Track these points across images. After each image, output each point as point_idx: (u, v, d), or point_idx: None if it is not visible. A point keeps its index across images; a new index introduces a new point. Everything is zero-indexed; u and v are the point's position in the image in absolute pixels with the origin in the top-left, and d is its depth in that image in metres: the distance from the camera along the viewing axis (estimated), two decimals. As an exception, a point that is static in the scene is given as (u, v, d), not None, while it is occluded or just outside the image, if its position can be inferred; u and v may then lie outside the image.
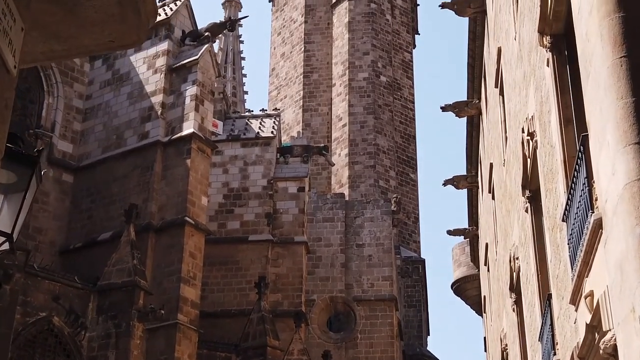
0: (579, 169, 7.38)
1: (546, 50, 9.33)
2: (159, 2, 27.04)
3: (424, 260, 41.98)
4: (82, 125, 26.11)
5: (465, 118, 23.96)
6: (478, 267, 29.28)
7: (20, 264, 18.45)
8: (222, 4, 56.80)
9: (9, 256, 18.11)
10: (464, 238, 30.10)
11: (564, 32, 9.16)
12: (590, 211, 6.91)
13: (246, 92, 58.28)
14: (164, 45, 25.45)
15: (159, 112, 24.52)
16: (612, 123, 6.14)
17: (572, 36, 8.95)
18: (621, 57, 6.19)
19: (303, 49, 48.08)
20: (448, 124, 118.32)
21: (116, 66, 26.35)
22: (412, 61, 49.43)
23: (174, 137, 24.11)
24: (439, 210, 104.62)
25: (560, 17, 9.02)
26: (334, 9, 48.32)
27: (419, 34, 52.64)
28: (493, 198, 19.34)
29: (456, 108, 22.87)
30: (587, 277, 7.33)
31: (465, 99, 23.09)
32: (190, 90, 24.36)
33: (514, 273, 14.42)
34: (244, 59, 61.09)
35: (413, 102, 48.22)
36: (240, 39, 61.93)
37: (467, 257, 33.24)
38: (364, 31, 46.52)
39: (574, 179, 7.56)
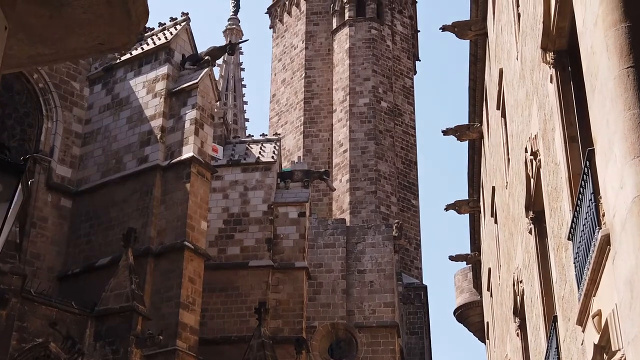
0: (584, 184, 7.22)
1: (549, 67, 9.21)
2: (158, 26, 27.05)
3: (425, 287, 41.70)
4: (81, 149, 25.97)
5: (466, 142, 23.87)
6: (481, 294, 29.07)
7: (16, 289, 18.24)
8: (223, 32, 56.99)
9: (5, 280, 17.90)
10: (467, 264, 29.91)
11: (568, 48, 9.05)
12: (598, 227, 6.76)
13: (247, 120, 58.30)
14: (163, 69, 25.37)
15: (159, 136, 24.39)
16: (619, 135, 5.99)
17: (576, 53, 8.86)
18: (628, 68, 6.06)
19: (304, 75, 48.09)
20: (449, 149, 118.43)
21: (116, 90, 26.27)
22: (412, 87, 49.44)
23: (173, 161, 23.96)
24: (440, 235, 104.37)
25: (564, 33, 8.91)
26: (335, 35, 48.40)
27: (420, 60, 52.75)
28: (495, 222, 19.21)
29: (457, 132, 22.78)
30: (594, 296, 7.15)
31: (467, 122, 23.01)
32: (190, 114, 24.25)
33: (518, 297, 14.23)
34: (244, 86, 61.25)
35: (414, 128, 48.15)
36: (241, 66, 62.14)
37: (469, 284, 33.00)
38: (364, 57, 46.55)
39: (580, 195, 7.41)
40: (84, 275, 23.86)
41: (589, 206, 7.04)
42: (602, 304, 6.87)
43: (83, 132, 26.19)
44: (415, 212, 45.63)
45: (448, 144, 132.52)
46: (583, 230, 7.39)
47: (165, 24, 26.86)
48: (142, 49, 26.36)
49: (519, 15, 12.19)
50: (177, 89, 24.97)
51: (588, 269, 7.10)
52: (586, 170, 7.13)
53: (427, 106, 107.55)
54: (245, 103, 60.23)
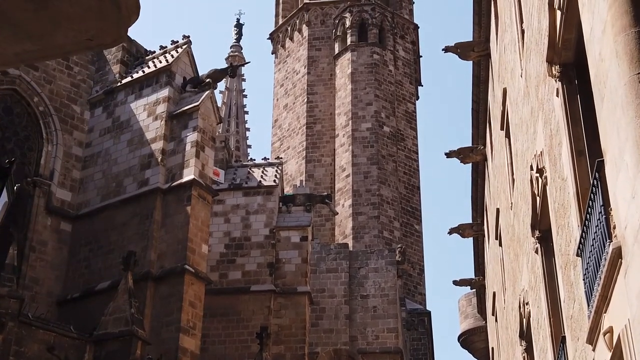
0: (594, 197, 7.04)
1: (555, 80, 9.07)
2: (160, 49, 26.97)
3: (429, 313, 41.39)
4: (81, 173, 25.81)
5: (470, 165, 23.77)
6: (485, 319, 28.81)
7: (13, 312, 17.97)
8: (226, 59, 57.16)
9: (3, 304, 17.64)
10: (471, 288, 29.70)
11: (574, 61, 8.91)
12: (608, 240, 6.57)
13: (249, 146, 58.35)
14: (164, 92, 25.26)
15: (159, 159, 24.23)
16: (630, 142, 5.81)
17: (582, 67, 8.73)
18: (639, 73, 5.88)
19: (306, 100, 48.05)
20: (452, 173, 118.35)
21: (116, 113, 26.16)
22: (415, 112, 49.36)
23: (174, 184, 23.77)
24: (444, 260, 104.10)
25: (570, 45, 8.77)
26: (337, 60, 48.41)
27: (422, 86, 52.77)
28: (500, 245, 19.05)
29: (461, 154, 22.67)
30: (605, 312, 6.94)
31: (470, 145, 22.89)
32: (191, 137, 24.11)
33: (524, 319, 14.03)
34: (247, 112, 61.40)
35: (417, 153, 48.01)
36: (244, 93, 62.27)
37: (473, 309, 32.72)
38: (366, 82, 46.52)
39: (589, 209, 7.22)
40: (83, 300, 23.60)
41: (599, 219, 6.86)
42: (613, 320, 6.67)
43: (83, 156, 26.05)
44: (418, 237, 45.37)
45: (451, 168, 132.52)
46: (593, 245, 7.20)
47: (166, 47, 26.79)
48: (143, 71, 26.30)
49: (522, 31, 12.10)
50: (178, 111, 24.84)
51: (598, 284, 6.93)
52: (595, 183, 6.95)
53: (429, 131, 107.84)
54: (248, 129, 60.29)
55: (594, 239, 7.10)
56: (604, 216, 6.69)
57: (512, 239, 15.80)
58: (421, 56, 52.90)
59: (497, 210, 18.97)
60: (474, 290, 29.48)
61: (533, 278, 12.45)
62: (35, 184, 24.68)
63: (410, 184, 46.42)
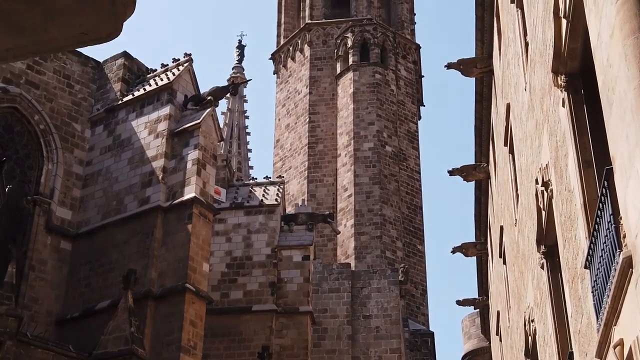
0: (602, 207, 6.90)
1: (561, 91, 8.96)
2: (161, 67, 26.91)
3: (432, 334, 41.03)
4: (81, 191, 25.66)
5: (473, 183, 23.65)
6: (489, 339, 28.59)
7: (12, 331, 17.77)
8: (227, 80, 57.14)
9: (1, 323, 17.45)
10: (474, 308, 29.51)
11: (579, 71, 8.80)
12: (618, 250, 6.42)
13: (251, 167, 58.25)
14: (165, 110, 25.16)
15: (160, 177, 24.08)
16: (641, 147, 5.66)
17: (588, 76, 8.62)
18: (650, 76, 5.76)
19: (308, 119, 47.99)
20: (455, 192, 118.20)
21: (117, 131, 26.05)
22: (417, 132, 49.29)
23: (174, 202, 23.60)
24: (447, 280, 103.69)
25: (576, 55, 8.67)
26: (339, 80, 48.40)
27: (424, 106, 52.72)
28: (504, 263, 18.94)
29: (464, 172, 22.57)
30: (615, 325, 6.79)
31: (473, 163, 22.79)
32: (192, 155, 23.97)
33: (529, 337, 13.90)
34: (249, 134, 61.38)
35: (419, 173, 47.87)
36: (246, 114, 62.28)
37: (477, 329, 32.51)
38: (368, 101, 46.47)
39: (597, 219, 7.09)
40: (83, 319, 23.37)
41: (608, 229, 6.72)
42: (624, 332, 6.52)
43: (84, 174, 25.90)
44: (421, 257, 45.14)
45: (454, 187, 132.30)
46: (602, 256, 7.05)
47: (168, 64, 26.74)
48: (145, 89, 26.22)
49: (526, 44, 12.03)
50: (179, 129, 24.73)
51: (608, 296, 6.78)
52: (604, 191, 6.80)
53: (431, 151, 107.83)
54: (250, 150, 60.26)
55: (603, 249, 6.97)
56: (613, 225, 6.56)
57: (516, 256, 15.69)
58: (423, 76, 52.92)
59: (501, 228, 18.85)
60: (478, 310, 29.29)
61: (539, 294, 12.33)
62: (35, 202, 24.53)
63: (412, 204, 46.25)
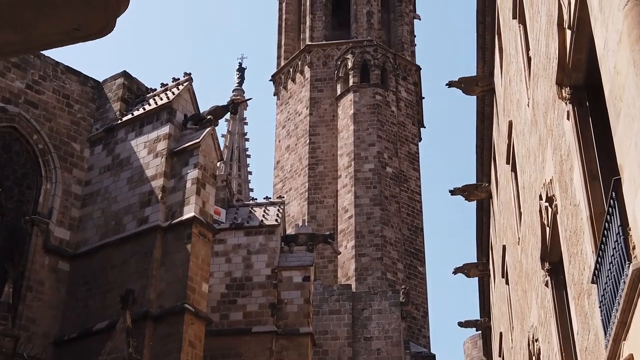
0: (610, 218, 6.74)
1: (566, 103, 8.84)
2: (161, 86, 26.84)
3: (434, 356, 40.75)
4: (80, 211, 25.49)
5: (474, 203, 23.54)
6: (491, 362, 28.38)
7: (8, 352, 17.55)
8: (227, 102, 57.12)
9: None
10: (476, 330, 29.29)
11: (584, 83, 8.69)
12: (627, 262, 6.26)
13: (251, 190, 58.09)
14: (165, 129, 25.05)
15: (159, 197, 23.93)
16: (651, 155, 5.52)
17: (593, 89, 8.50)
18: (659, 82, 5.63)
19: (308, 141, 47.91)
20: (456, 213, 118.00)
21: (116, 151, 25.92)
22: (418, 153, 49.21)
23: (174, 221, 23.42)
24: (448, 301, 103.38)
25: (580, 67, 8.55)
26: (339, 101, 48.37)
27: (424, 127, 52.68)
28: (507, 283, 18.80)
29: (465, 191, 22.47)
30: (624, 339, 6.63)
31: (475, 183, 22.70)
32: (192, 174, 23.82)
33: (534, 357, 13.72)
34: (249, 156, 61.31)
35: (420, 194, 47.72)
36: (246, 137, 62.26)
37: (479, 351, 32.29)
38: (369, 122, 46.42)
39: (605, 231, 6.93)
40: (80, 340, 23.12)
41: (617, 240, 6.56)
42: (634, 346, 6.36)
43: (82, 194, 25.74)
44: (422, 279, 44.91)
45: (455, 209, 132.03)
46: (610, 269, 6.89)
47: (167, 84, 26.66)
48: (144, 109, 26.13)
49: (529, 59, 11.95)
50: (178, 148, 24.60)
51: (617, 310, 6.61)
52: (612, 203, 6.65)
53: (432, 172, 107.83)
54: (250, 173, 60.16)
55: (611, 262, 6.81)
56: (622, 237, 6.41)
57: (519, 275, 15.56)
58: (423, 98, 52.92)
59: (504, 247, 18.74)
60: (480, 332, 29.08)
61: (543, 313, 12.18)
62: (33, 222, 24.35)
63: (413, 226, 46.08)
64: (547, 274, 11.29)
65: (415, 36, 53.89)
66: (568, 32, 8.29)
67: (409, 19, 53.69)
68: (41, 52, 26.45)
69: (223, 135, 59.76)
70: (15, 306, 22.39)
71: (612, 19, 6.39)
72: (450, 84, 19.55)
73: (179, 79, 26.47)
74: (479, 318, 27.53)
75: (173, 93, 25.91)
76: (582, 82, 8.67)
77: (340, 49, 49.93)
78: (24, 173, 25.16)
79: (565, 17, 8.19)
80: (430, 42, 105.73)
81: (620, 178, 6.47)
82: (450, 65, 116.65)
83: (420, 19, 55.28)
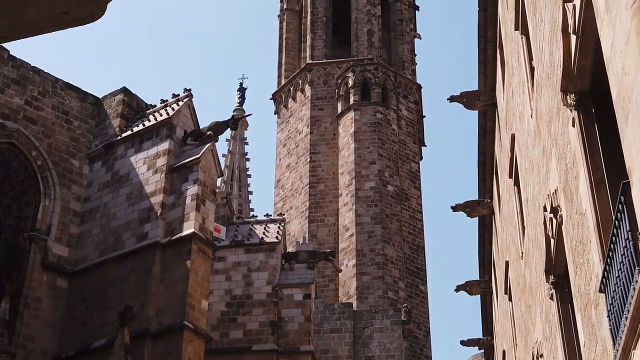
0: (619, 224, 6.59)
1: (571, 110, 8.71)
2: (161, 102, 26.75)
3: (436, 376, 40.48)
4: (79, 228, 25.29)
5: (476, 220, 23.42)
6: (494, 381, 28.12)
7: (4, 369, 17.32)
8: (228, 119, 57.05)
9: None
10: (479, 349, 29.05)
11: (589, 90, 8.57)
12: (637, 268, 6.11)
13: (252, 209, 57.94)
14: (164, 145, 24.92)
15: (159, 213, 23.76)
16: (661, 156, 5.37)
17: (597, 97, 8.38)
18: (669, 81, 5.49)
19: (309, 159, 47.80)
20: (457, 233, 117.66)
21: (116, 167, 25.78)
22: (419, 171, 49.08)
23: (173, 237, 23.23)
24: (450, 320, 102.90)
25: (586, 73, 8.44)
26: (340, 120, 48.32)
27: (425, 146, 52.56)
28: (510, 299, 18.66)
29: (467, 207, 22.35)
30: (634, 348, 6.50)
31: (477, 199, 22.57)
32: (192, 190, 23.66)
33: (538, 373, 13.47)
34: (249, 176, 61.29)
35: (421, 213, 47.55)
36: (246, 157, 62.20)
37: (481, 371, 31.94)
38: (370, 141, 46.33)
39: (613, 237, 6.78)
40: (79, 358, 22.87)
41: (626, 246, 6.41)
42: (645, 355, 6.16)
43: (81, 210, 25.56)
44: (423, 298, 44.65)
45: (456, 228, 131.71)
46: (619, 276, 6.73)
47: (167, 100, 26.58)
48: (144, 125, 26.02)
49: (532, 69, 11.87)
50: (178, 164, 24.46)
51: (626, 318, 6.46)
52: (620, 207, 6.49)
53: (433, 191, 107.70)
54: (251, 193, 60.10)
55: (620, 269, 6.65)
56: (631, 242, 6.27)
57: (523, 290, 15.43)
58: (424, 116, 52.86)
59: (506, 263, 18.61)
60: (482, 350, 28.87)
61: (547, 327, 12.03)
62: (31, 239, 24.16)
63: (415, 244, 45.88)
64: (551, 286, 11.16)
65: (415, 55, 53.94)
66: (573, 38, 8.18)
67: (409, 38, 53.75)
68: (40, 67, 26.38)
69: (224, 155, 59.72)
70: (12, 324, 22.18)
71: (620, 18, 6.27)
72: (452, 99, 19.47)
73: (179, 94, 26.39)
74: (481, 336, 27.37)
75: (173, 109, 25.81)
76: (587, 88, 8.56)
77: (341, 67, 49.94)
78: (22, 189, 25.00)
79: (570, 21, 8.09)
80: (431, 61, 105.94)
81: (629, 181, 6.33)
82: (450, 83, 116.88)
83: (420, 38, 55.38)
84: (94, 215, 25.32)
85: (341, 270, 40.71)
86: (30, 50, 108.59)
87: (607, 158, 8.02)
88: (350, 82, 48.25)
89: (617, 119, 6.63)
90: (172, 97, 26.45)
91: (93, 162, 26.23)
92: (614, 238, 6.76)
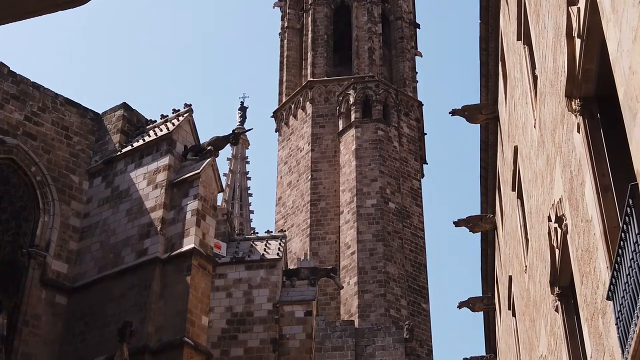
0: (627, 228, 6.41)
1: (576, 115, 8.58)
2: (161, 118, 26.64)
3: (438, 395, 40.14)
4: (78, 244, 25.08)
5: (479, 235, 23.28)
6: (498, 400, 27.86)
7: (1, 386, 17.08)
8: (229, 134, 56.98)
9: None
10: (482, 366, 28.79)
11: (594, 95, 8.43)
12: (647, 273, 5.92)
13: (253, 228, 57.73)
14: (165, 160, 24.76)
15: (159, 228, 23.56)
16: (671, 156, 5.22)
17: (602, 103, 8.25)
18: (679, 77, 5.35)
19: (310, 177, 47.65)
20: (459, 251, 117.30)
21: (115, 183, 25.61)
22: (420, 189, 48.91)
23: (173, 253, 23.02)
24: (453, 337, 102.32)
25: (591, 77, 8.30)
26: (341, 137, 48.22)
27: (427, 164, 52.39)
28: (514, 315, 18.51)
29: (470, 223, 22.21)
30: None
31: (479, 214, 22.44)
32: (192, 205, 23.47)
33: (544, 388, 13.26)
34: (251, 195, 61.12)
35: (423, 230, 47.34)
36: (248, 175, 62.10)
37: (484, 389, 31.64)
38: (371, 158, 46.19)
39: (621, 242, 6.59)
40: (77, 375, 22.64)
41: (634, 250, 6.23)
42: (656, 362, 5.97)
43: (81, 226, 25.37)
44: (426, 316, 44.35)
45: (458, 245, 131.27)
46: (627, 282, 6.56)
47: (167, 115, 26.47)
48: (144, 140, 25.89)
49: (535, 78, 11.76)
50: (178, 179, 24.29)
51: (636, 324, 6.31)
52: (628, 211, 6.32)
53: (435, 208, 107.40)
54: (252, 212, 59.89)
55: (629, 274, 6.48)
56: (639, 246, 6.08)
57: (527, 304, 15.27)
58: (425, 134, 52.76)
59: (510, 278, 18.45)
60: (486, 368, 28.62)
61: (553, 340, 11.84)
62: (30, 255, 23.94)
63: (416, 262, 45.64)
64: (557, 298, 11.00)
65: (417, 72, 53.95)
66: (577, 42, 8.07)
67: (410, 55, 53.79)
68: (32, 79, 26.29)
69: (225, 174, 59.61)
70: (11, 341, 21.94)
71: (627, 16, 6.15)
72: (454, 112, 19.35)
73: (179, 110, 26.29)
74: (484, 354, 27.19)
75: (173, 124, 25.69)
76: (592, 93, 8.44)
77: (342, 84, 49.90)
78: (21, 205, 24.81)
79: (575, 25, 7.97)
80: (432, 78, 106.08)
81: (637, 184, 6.18)
82: (452, 101, 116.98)
83: (421, 56, 55.45)
84: (93, 231, 25.13)
85: (342, 287, 40.44)
86: (30, 65, 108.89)
87: (613, 163, 7.88)
88: (352, 100, 48.18)
89: (625, 121, 6.48)
90: (173, 112, 26.36)
91: (93, 177, 26.07)
92: (622, 243, 6.59)
